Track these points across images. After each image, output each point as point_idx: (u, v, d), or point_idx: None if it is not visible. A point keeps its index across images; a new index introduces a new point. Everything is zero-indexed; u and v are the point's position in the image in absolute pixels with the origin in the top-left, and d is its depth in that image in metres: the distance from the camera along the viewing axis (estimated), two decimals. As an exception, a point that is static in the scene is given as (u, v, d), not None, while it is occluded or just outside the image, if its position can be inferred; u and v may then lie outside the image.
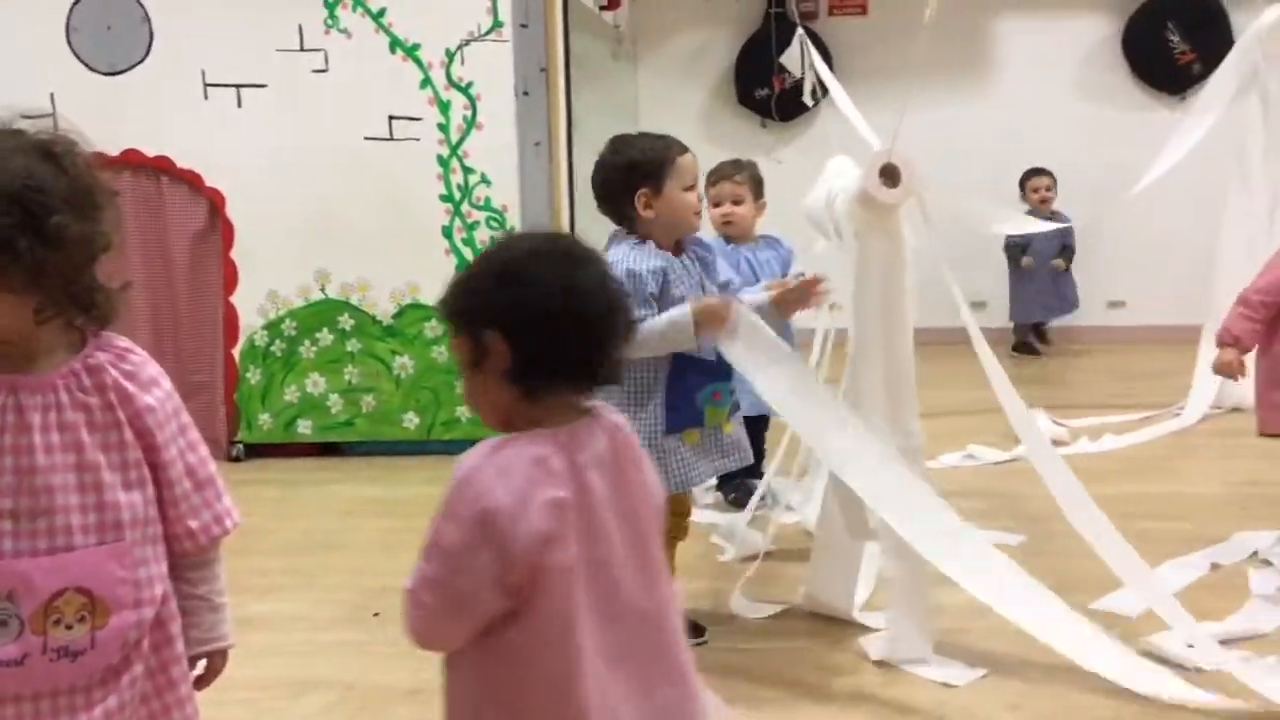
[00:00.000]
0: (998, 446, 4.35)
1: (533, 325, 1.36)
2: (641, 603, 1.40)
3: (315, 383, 4.71)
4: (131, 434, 1.42)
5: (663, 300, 2.59)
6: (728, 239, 3.76)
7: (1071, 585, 3.02)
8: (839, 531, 2.79)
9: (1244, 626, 2.75)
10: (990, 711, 2.41)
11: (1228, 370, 3.13)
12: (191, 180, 4.65)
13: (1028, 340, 6.72)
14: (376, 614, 2.96)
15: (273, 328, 4.71)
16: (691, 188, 2.71)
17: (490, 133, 4.56)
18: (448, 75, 4.55)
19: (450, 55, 4.54)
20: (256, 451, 4.74)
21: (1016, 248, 6.53)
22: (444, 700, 1.40)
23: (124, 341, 1.46)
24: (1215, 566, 3.17)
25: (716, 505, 3.86)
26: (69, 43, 4.60)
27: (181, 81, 4.59)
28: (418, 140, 4.57)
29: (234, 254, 4.68)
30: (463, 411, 4.54)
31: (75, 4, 4.59)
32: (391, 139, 4.58)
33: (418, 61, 4.55)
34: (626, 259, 2.59)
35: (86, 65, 4.60)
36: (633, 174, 2.66)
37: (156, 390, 1.45)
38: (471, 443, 1.36)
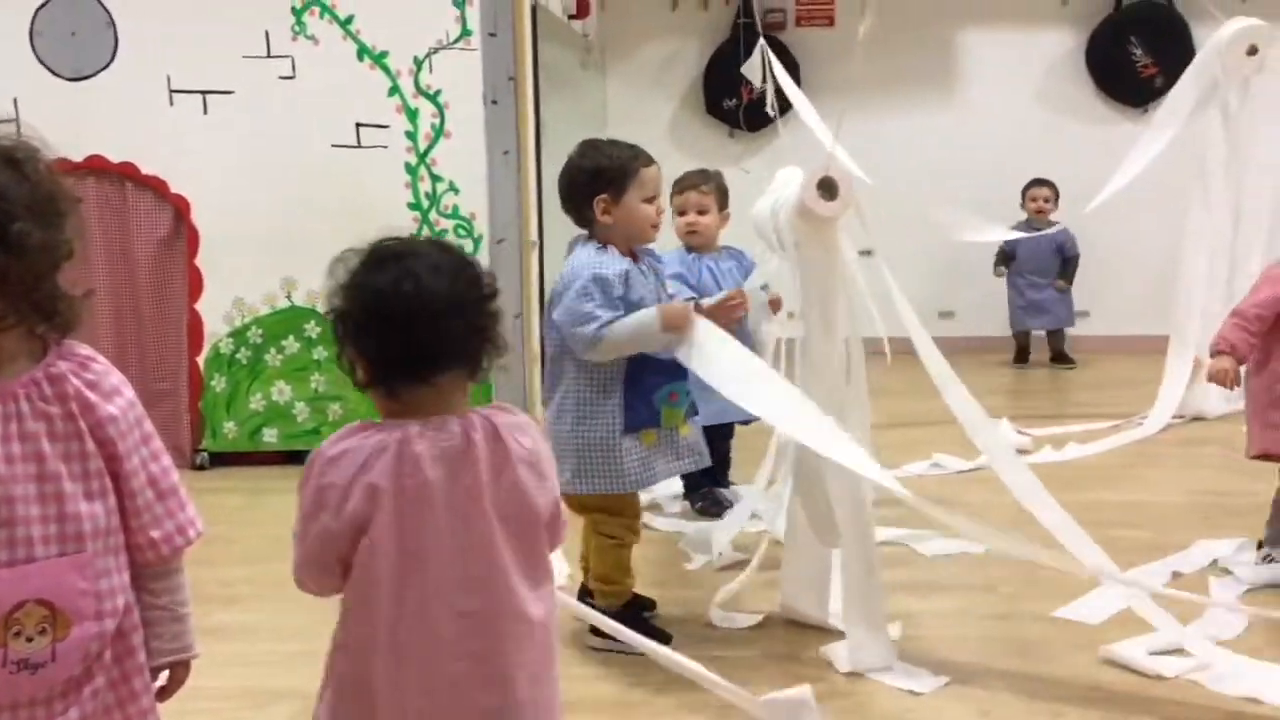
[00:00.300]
0: (964, 455, 4.38)
1: (359, 331, 1.49)
2: (464, 602, 1.46)
3: (281, 391, 4.68)
4: (93, 444, 1.41)
5: (625, 303, 2.64)
6: (690, 248, 3.77)
7: (1036, 592, 3.05)
8: (807, 540, 2.81)
9: (1202, 634, 2.77)
10: (960, 718, 2.43)
11: (1222, 378, 3.11)
12: (156, 187, 4.61)
13: (1024, 347, 6.69)
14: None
15: (238, 335, 4.68)
16: (652, 200, 2.76)
17: (458, 141, 4.55)
18: (416, 83, 4.54)
19: (418, 63, 4.53)
20: (221, 460, 4.70)
21: (1002, 256, 6.53)
22: None
23: (86, 350, 1.45)
24: (1177, 575, 3.20)
25: (684, 514, 3.87)
26: (33, 48, 4.55)
27: (147, 87, 4.55)
28: (385, 148, 4.56)
29: (199, 261, 4.65)
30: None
31: (40, 8, 4.54)
32: (359, 146, 4.56)
33: (385, 69, 4.54)
34: (593, 264, 2.65)
35: (51, 70, 4.56)
36: (595, 179, 2.71)
37: (119, 399, 1.44)
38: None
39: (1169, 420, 4.92)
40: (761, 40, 4.73)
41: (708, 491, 3.82)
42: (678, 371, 2.68)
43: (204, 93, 4.57)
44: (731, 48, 6.90)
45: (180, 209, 4.62)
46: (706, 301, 2.97)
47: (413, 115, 4.55)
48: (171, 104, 4.57)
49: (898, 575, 3.17)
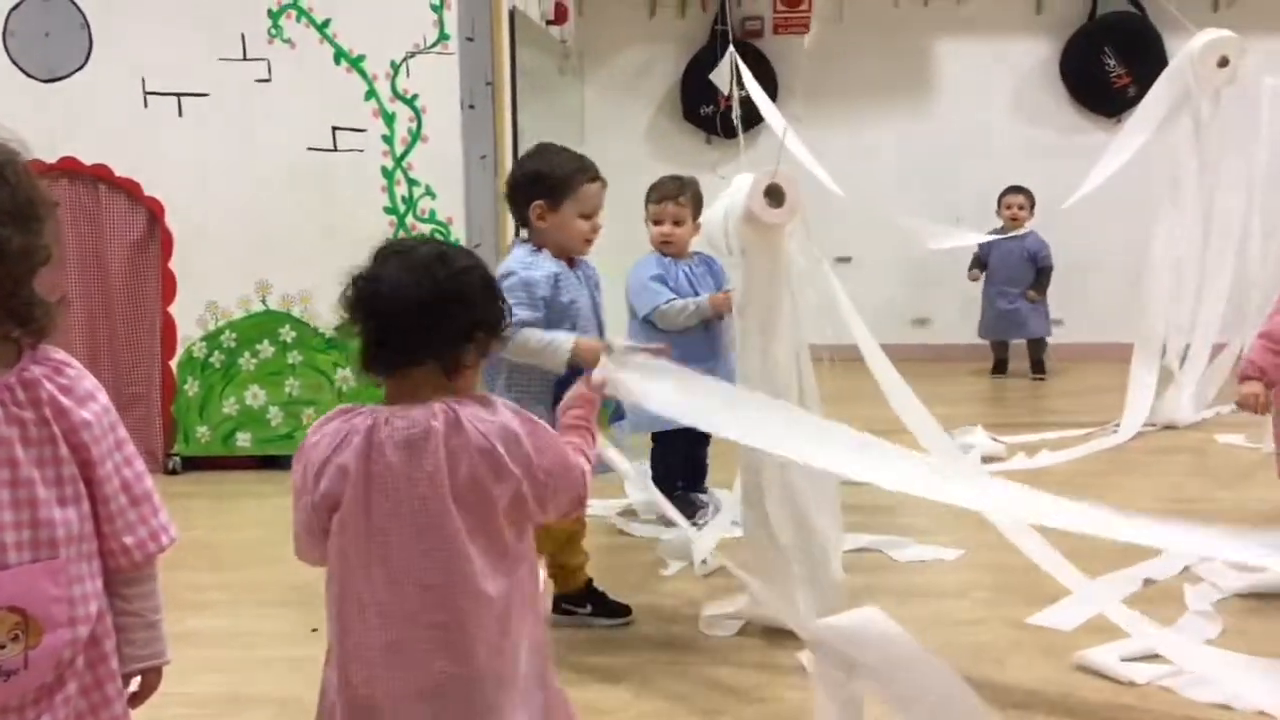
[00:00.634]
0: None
1: (349, 322, 1.63)
2: (428, 577, 1.56)
3: (255, 395, 4.66)
4: (67, 449, 1.40)
5: (553, 305, 2.70)
6: (664, 255, 3.82)
7: (1009, 599, 3.07)
8: (765, 546, 2.79)
9: (1176, 640, 2.80)
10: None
11: (1251, 403, 3.09)
12: (130, 189, 4.59)
13: (1001, 359, 6.67)
14: (315, 629, 2.93)
15: (211, 339, 4.65)
16: (589, 216, 2.79)
17: (435, 145, 4.54)
18: (393, 87, 4.53)
19: (395, 67, 4.52)
20: (194, 464, 4.67)
21: (977, 260, 6.52)
22: None
23: (60, 354, 1.44)
24: (1149, 582, 3.22)
25: (661, 520, 3.86)
26: (5, 48, 4.52)
27: (121, 89, 4.53)
28: (361, 151, 4.54)
29: (173, 264, 4.62)
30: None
31: (13, 9, 4.51)
32: (335, 150, 4.55)
33: (362, 73, 4.52)
34: (520, 264, 2.73)
35: (24, 71, 4.52)
36: (535, 183, 2.78)
37: (93, 404, 1.43)
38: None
39: (1141, 428, 4.96)
40: (731, 48, 4.73)
41: (681, 496, 3.83)
42: None
43: (179, 95, 4.54)
44: (709, 55, 6.89)
45: (154, 212, 4.60)
46: (619, 341, 2.93)
47: (389, 119, 4.54)
48: (146, 106, 4.54)
49: (872, 581, 3.19)
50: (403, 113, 4.54)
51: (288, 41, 4.51)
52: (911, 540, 3.56)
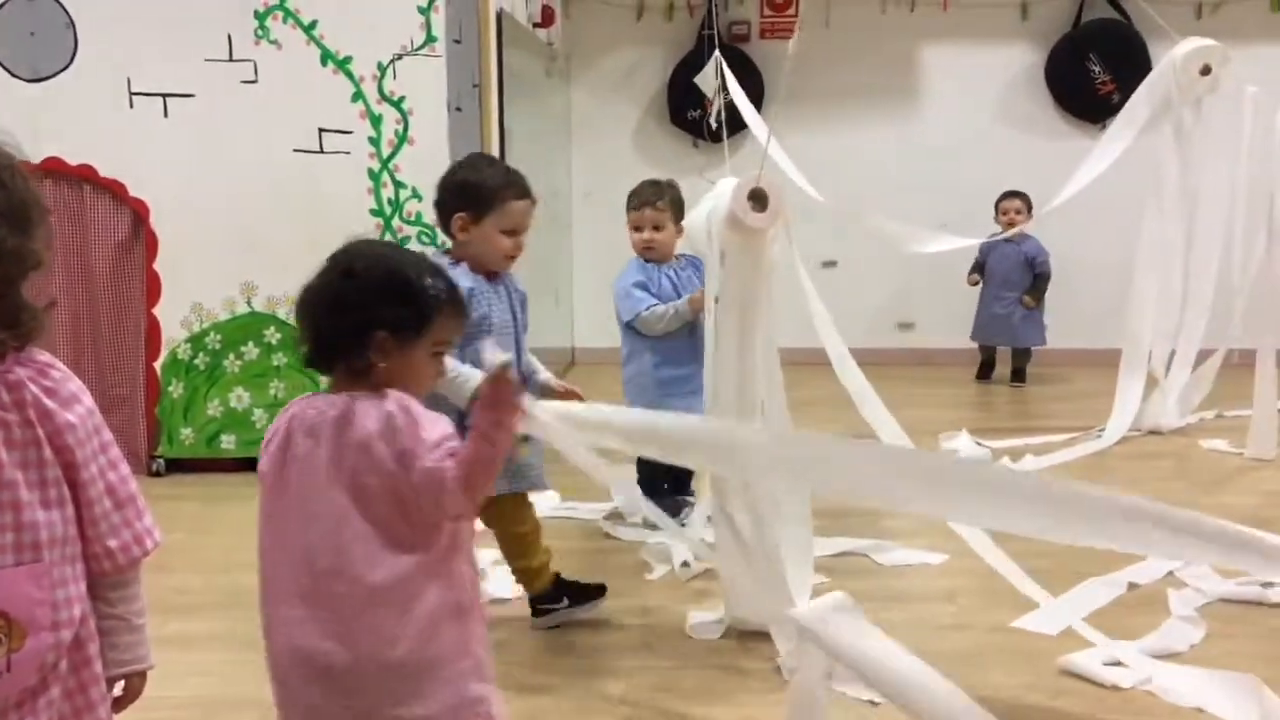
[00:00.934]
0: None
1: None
2: (318, 561, 1.63)
3: (239, 397, 4.64)
4: (50, 451, 1.39)
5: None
6: (648, 260, 3.82)
7: (994, 603, 3.08)
8: (736, 551, 2.79)
9: (1159, 645, 2.81)
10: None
11: None
12: (115, 190, 4.57)
13: (988, 361, 6.66)
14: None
15: (196, 341, 4.63)
16: (512, 233, 2.75)
17: (422, 147, 4.53)
18: (380, 89, 4.52)
19: (382, 69, 4.51)
20: (178, 466, 4.65)
21: (976, 265, 6.51)
22: None
23: (45, 356, 1.43)
24: (1133, 586, 3.23)
25: (645, 523, 3.86)
26: (-11, 47, 4.50)
27: (106, 89, 4.51)
28: (348, 154, 4.53)
29: (157, 265, 4.60)
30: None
31: (-3, 8, 4.49)
32: (321, 152, 4.54)
33: (349, 74, 4.52)
34: None
35: (8, 71, 4.50)
36: (459, 194, 2.76)
37: (77, 407, 1.42)
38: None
39: (1125, 433, 4.98)
40: (716, 52, 4.73)
41: (671, 500, 3.83)
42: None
43: (164, 95, 4.53)
44: (696, 59, 6.90)
45: (139, 213, 4.58)
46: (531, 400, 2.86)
47: (376, 121, 4.53)
48: (131, 106, 4.53)
49: (857, 585, 3.19)
50: (389, 115, 4.53)
51: (274, 43, 4.50)
52: (895, 544, 3.57)
